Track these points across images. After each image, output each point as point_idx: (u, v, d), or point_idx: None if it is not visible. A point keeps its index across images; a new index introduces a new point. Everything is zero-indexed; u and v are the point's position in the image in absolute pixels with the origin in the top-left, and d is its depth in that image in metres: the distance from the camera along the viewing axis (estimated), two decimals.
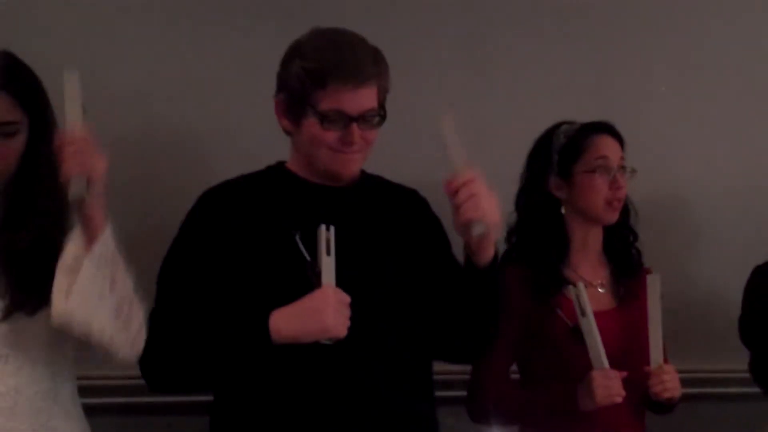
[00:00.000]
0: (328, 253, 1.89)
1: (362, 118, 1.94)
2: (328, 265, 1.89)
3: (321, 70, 1.91)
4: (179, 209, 2.01)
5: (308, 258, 1.91)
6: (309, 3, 2.45)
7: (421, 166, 2.18)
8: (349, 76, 1.91)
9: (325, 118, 1.92)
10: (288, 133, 2.02)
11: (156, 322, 1.93)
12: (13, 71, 1.88)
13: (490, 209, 1.88)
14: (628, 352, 2.21)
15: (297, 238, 1.92)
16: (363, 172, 2.06)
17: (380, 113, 1.97)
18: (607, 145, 2.28)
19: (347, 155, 1.95)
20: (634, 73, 2.69)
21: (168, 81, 2.38)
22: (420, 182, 2.12)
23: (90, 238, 1.79)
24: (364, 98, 1.93)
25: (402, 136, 2.22)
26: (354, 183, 2.03)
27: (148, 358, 1.92)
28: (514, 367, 2.30)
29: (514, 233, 2.32)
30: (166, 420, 2.31)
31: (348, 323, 1.87)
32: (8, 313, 1.85)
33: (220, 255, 1.93)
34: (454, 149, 1.89)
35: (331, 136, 1.93)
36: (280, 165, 2.06)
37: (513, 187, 2.33)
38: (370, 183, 2.07)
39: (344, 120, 1.92)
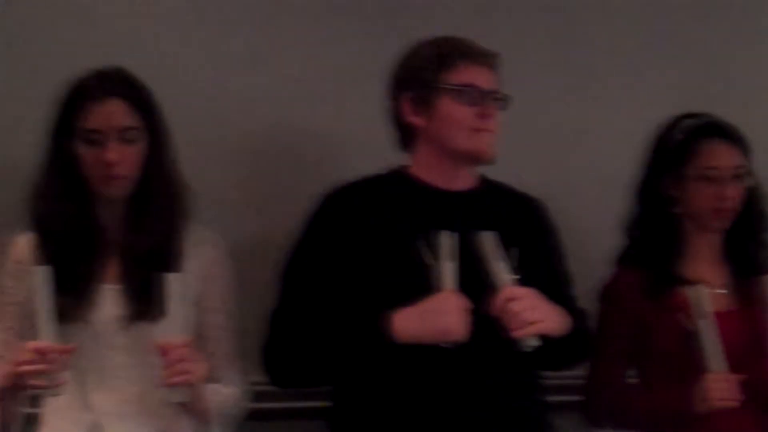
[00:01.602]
0: (450, 259, 1.90)
1: (492, 96, 1.98)
2: (449, 271, 1.89)
3: (450, 51, 1.99)
4: (294, 211, 2.04)
5: (430, 263, 1.91)
6: (412, 5, 2.45)
7: (519, 167, 2.18)
8: (476, 55, 1.99)
9: (460, 93, 1.96)
10: (410, 133, 2.03)
11: (279, 319, 1.98)
12: (127, 82, 1.95)
13: (540, 319, 1.89)
14: (748, 356, 2.15)
15: (419, 243, 1.94)
16: (484, 178, 2.08)
17: (504, 97, 2.01)
18: (718, 154, 2.19)
19: (485, 133, 1.97)
20: (744, 67, 2.64)
21: (280, 83, 2.41)
22: (516, 183, 2.13)
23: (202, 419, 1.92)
24: (489, 77, 1.99)
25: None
26: (475, 188, 2.05)
27: (271, 354, 1.98)
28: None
29: (633, 228, 2.28)
30: (287, 425, 2.33)
31: (467, 327, 1.87)
32: (130, 321, 1.90)
33: (343, 254, 1.96)
34: (496, 265, 1.92)
35: (468, 111, 1.96)
36: (403, 169, 2.07)
37: (612, 188, 2.30)
38: (491, 189, 2.08)
39: (478, 94, 1.96)
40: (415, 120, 2.01)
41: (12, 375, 1.81)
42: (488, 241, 1.93)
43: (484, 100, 1.97)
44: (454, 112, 1.97)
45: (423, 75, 1.99)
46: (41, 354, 1.77)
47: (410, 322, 1.88)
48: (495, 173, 2.09)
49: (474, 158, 2.00)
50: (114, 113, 1.90)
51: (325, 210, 2.02)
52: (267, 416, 2.20)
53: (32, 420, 1.93)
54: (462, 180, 2.04)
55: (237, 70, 2.39)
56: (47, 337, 1.79)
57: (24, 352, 1.80)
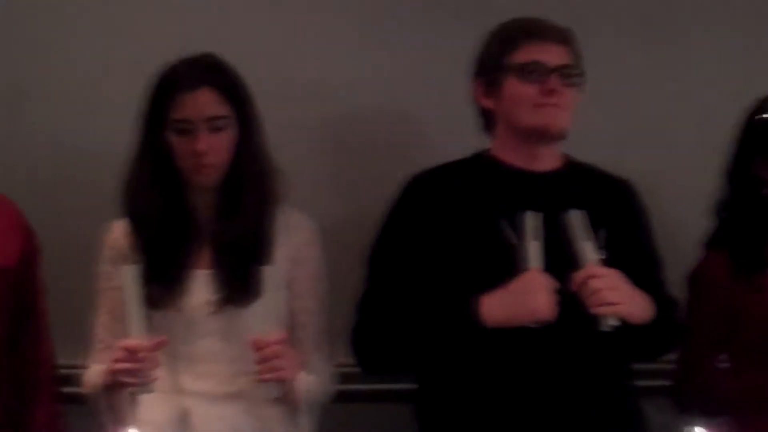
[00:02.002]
0: (535, 239, 1.89)
1: (559, 71, 1.97)
2: (535, 251, 1.89)
3: (514, 32, 2.00)
4: (381, 196, 2.06)
5: (515, 243, 1.91)
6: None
7: (607, 151, 2.17)
8: (541, 32, 1.99)
9: (523, 71, 1.97)
10: (488, 116, 2.05)
11: (366, 304, 2.00)
12: (217, 69, 1.96)
13: (619, 301, 1.86)
14: None
15: (503, 224, 1.94)
16: (570, 159, 2.08)
17: (577, 71, 2.00)
18: None
19: (550, 108, 1.97)
20: None
21: (367, 69, 2.43)
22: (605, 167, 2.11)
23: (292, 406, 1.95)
24: (557, 53, 1.99)
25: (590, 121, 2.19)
26: (559, 169, 2.05)
27: (359, 339, 1.99)
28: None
29: (722, 210, 2.24)
30: (374, 407, 2.35)
31: (555, 307, 1.86)
32: (221, 306, 1.93)
33: (428, 238, 1.97)
34: (583, 245, 1.90)
35: (531, 89, 1.97)
36: (485, 152, 2.08)
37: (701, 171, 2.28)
38: (576, 170, 2.08)
39: (542, 70, 1.96)
40: (487, 103, 2.04)
41: (108, 372, 1.87)
42: (575, 220, 1.92)
43: (550, 76, 1.96)
44: (518, 90, 1.98)
45: (491, 58, 2.02)
46: (131, 353, 1.82)
47: (497, 305, 1.88)
48: (582, 155, 2.08)
49: (541, 134, 1.99)
50: (204, 103, 1.92)
51: (409, 195, 2.04)
52: (354, 398, 2.21)
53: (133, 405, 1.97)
54: (545, 161, 2.04)
55: (324, 57, 2.41)
56: (137, 335, 1.83)
57: (116, 351, 1.85)
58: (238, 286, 1.92)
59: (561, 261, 1.89)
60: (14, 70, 2.35)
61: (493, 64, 2.01)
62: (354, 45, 2.42)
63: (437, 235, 1.97)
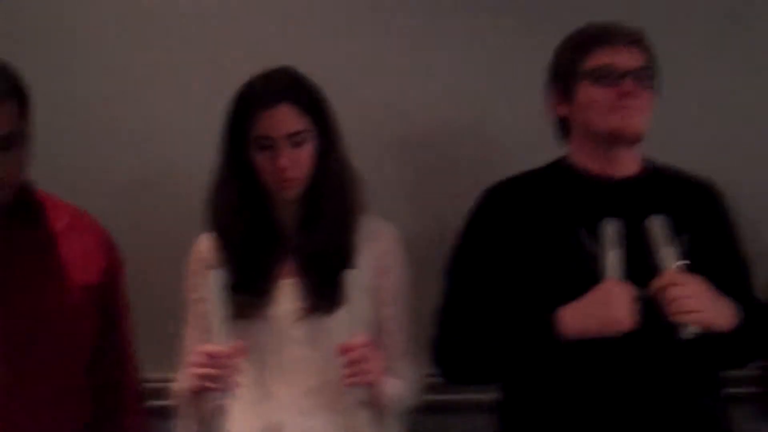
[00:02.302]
0: (614, 247, 1.88)
1: (633, 74, 1.96)
2: (613, 259, 1.88)
3: (586, 37, 2.00)
4: (458, 208, 2.06)
5: (594, 252, 1.90)
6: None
7: (689, 152, 2.15)
8: (613, 36, 1.98)
9: (596, 76, 1.96)
10: (562, 122, 2.05)
11: (446, 316, 2.00)
12: (295, 83, 1.99)
13: (700, 308, 1.83)
14: None
15: (581, 233, 1.93)
16: (650, 163, 2.05)
17: (651, 73, 1.99)
18: None
19: (625, 111, 1.95)
20: None
21: (441, 77, 2.44)
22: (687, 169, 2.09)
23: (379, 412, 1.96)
24: (629, 55, 1.97)
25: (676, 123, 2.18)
26: (639, 174, 2.02)
27: (439, 350, 2.00)
28: None
29: None
30: (457, 418, 2.35)
31: (635, 316, 1.84)
32: (306, 314, 1.96)
33: (506, 250, 1.97)
34: (664, 251, 1.88)
35: (605, 93, 1.95)
36: (561, 160, 2.07)
37: None
38: (657, 174, 2.05)
39: (615, 74, 1.95)
40: (562, 110, 2.03)
41: (191, 378, 1.90)
42: (657, 226, 1.90)
43: (623, 79, 1.95)
44: (592, 95, 1.97)
45: (563, 65, 2.01)
46: (212, 358, 1.85)
47: (576, 317, 1.86)
48: (663, 158, 2.06)
49: (616, 138, 1.97)
50: (283, 119, 1.94)
51: (486, 206, 2.04)
52: (438, 409, 2.22)
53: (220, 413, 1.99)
54: (624, 166, 2.01)
55: (400, 73, 2.42)
56: (220, 341, 1.86)
57: (197, 356, 1.88)
58: (323, 293, 1.95)
59: (642, 269, 1.87)
60: (99, 83, 2.40)
61: (566, 70, 2.00)
62: (428, 60, 2.43)
63: (515, 245, 1.97)
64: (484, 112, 2.43)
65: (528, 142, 2.29)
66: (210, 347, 1.86)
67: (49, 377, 1.87)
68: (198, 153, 2.07)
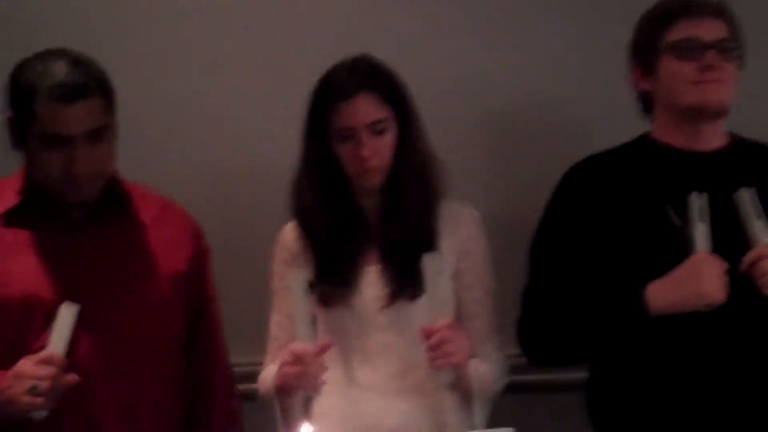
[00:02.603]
0: (702, 220, 1.86)
1: (716, 46, 1.93)
2: (701, 233, 1.86)
3: (667, 10, 1.98)
4: (539, 188, 2.06)
5: (681, 226, 1.88)
6: None
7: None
8: (693, 8, 1.96)
9: (678, 49, 1.94)
10: (646, 97, 2.03)
11: (531, 296, 2.00)
12: (373, 72, 2.00)
13: None
14: None
15: (668, 207, 1.91)
16: (736, 137, 2.03)
17: (735, 44, 1.96)
18: None
19: (708, 84, 1.93)
20: None
21: (524, 59, 2.44)
22: None
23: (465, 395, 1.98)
24: (712, 27, 1.95)
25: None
26: (725, 148, 2.00)
27: (526, 332, 1.99)
28: None
29: None
30: (544, 398, 2.34)
31: (726, 290, 1.82)
32: (391, 300, 1.97)
33: (591, 227, 1.96)
34: (754, 224, 1.85)
35: (688, 66, 1.94)
36: (645, 135, 2.06)
37: None
38: (744, 148, 2.02)
39: (698, 47, 1.93)
40: (645, 85, 2.02)
41: (278, 376, 1.93)
42: (746, 199, 1.87)
43: (706, 51, 1.92)
44: (674, 69, 1.95)
45: (645, 39, 1.99)
46: (298, 358, 1.87)
47: (666, 292, 1.85)
48: (749, 132, 2.04)
49: (700, 111, 1.95)
50: (363, 109, 1.96)
51: (570, 183, 2.04)
52: (523, 389, 2.21)
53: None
54: (709, 140, 1.99)
55: (475, 52, 2.42)
56: (304, 340, 1.88)
57: (284, 356, 1.91)
58: (406, 280, 1.96)
59: (731, 243, 1.85)
60: (186, 78, 2.43)
61: (648, 45, 1.98)
62: (506, 37, 2.43)
63: (600, 222, 1.95)
64: (565, 91, 2.42)
65: (613, 117, 2.26)
66: (296, 347, 1.88)
67: (142, 365, 1.91)
68: (283, 143, 2.08)
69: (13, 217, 1.90)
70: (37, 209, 1.90)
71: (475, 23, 2.43)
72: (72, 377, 1.79)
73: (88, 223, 1.91)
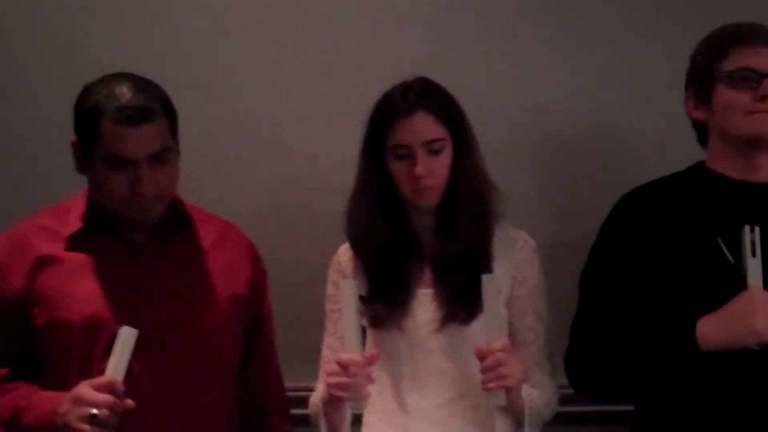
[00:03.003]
0: (754, 255, 1.84)
1: None
2: (754, 268, 1.84)
3: (722, 38, 1.97)
4: (595, 214, 2.05)
5: (732, 261, 1.87)
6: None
7: None
8: (751, 37, 1.94)
9: (734, 79, 1.93)
10: (701, 126, 2.01)
11: (580, 327, 1.99)
12: (431, 92, 2.01)
13: None
14: None
15: (719, 240, 1.90)
16: None
17: None
18: None
19: (763, 114, 1.92)
20: None
21: (576, 84, 2.44)
22: None
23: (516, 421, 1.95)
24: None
25: None
26: None
27: (574, 362, 1.98)
28: None
29: None
30: (591, 430, 2.33)
31: None
32: (443, 324, 1.96)
33: (641, 258, 1.94)
34: None
35: (743, 96, 1.93)
36: (699, 165, 2.05)
37: None
38: None
39: (754, 76, 1.92)
40: (699, 114, 2.00)
41: (326, 388, 1.92)
42: None
43: (762, 81, 1.91)
44: (728, 98, 1.93)
45: (700, 68, 1.99)
46: (344, 367, 1.86)
47: (716, 329, 1.83)
48: None
49: (755, 142, 1.93)
50: (420, 127, 1.97)
51: (622, 213, 2.02)
52: (569, 420, 2.18)
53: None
54: (763, 171, 1.97)
55: (533, 78, 2.43)
56: (352, 350, 1.88)
57: (330, 365, 1.91)
58: (460, 303, 1.96)
59: None
60: (241, 96, 2.45)
61: (703, 73, 1.98)
62: (561, 61, 2.43)
63: (652, 253, 1.94)
64: (622, 117, 2.41)
65: (668, 146, 2.27)
66: (343, 356, 1.88)
67: (199, 386, 1.92)
68: (339, 164, 2.10)
69: (76, 241, 1.92)
70: (100, 232, 1.93)
71: (529, 47, 2.43)
72: (129, 403, 1.79)
73: (150, 245, 1.94)
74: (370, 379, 1.89)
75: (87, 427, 1.76)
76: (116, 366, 1.80)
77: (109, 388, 1.77)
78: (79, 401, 1.77)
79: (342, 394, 1.88)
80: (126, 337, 1.81)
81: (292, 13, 2.46)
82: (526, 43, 2.44)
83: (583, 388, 2.01)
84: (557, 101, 2.42)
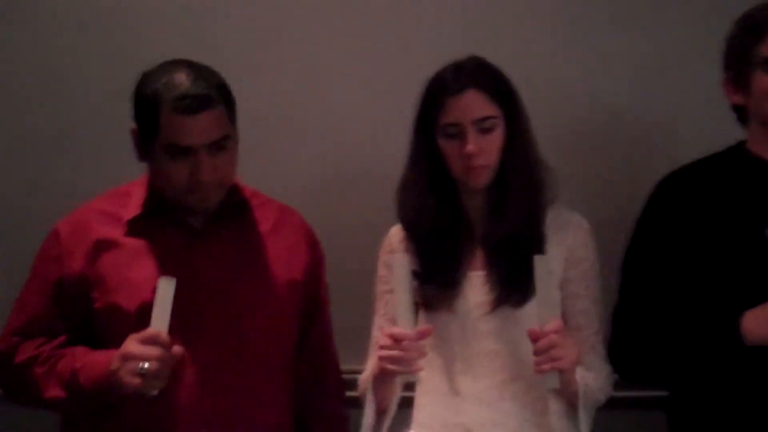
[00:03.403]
0: None
1: None
2: None
3: (758, 21, 1.92)
4: (634, 199, 2.05)
5: None
6: None
7: None
8: None
9: None
10: (741, 112, 1.99)
11: (623, 314, 1.98)
12: (482, 70, 1.99)
13: None
14: None
15: (766, 230, 1.88)
16: None
17: None
18: None
19: None
20: None
21: (621, 72, 2.44)
22: None
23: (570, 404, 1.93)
24: None
25: None
26: None
27: (617, 349, 1.98)
28: None
29: None
30: (629, 415, 2.32)
31: None
32: (496, 306, 1.95)
33: (685, 245, 1.93)
34: None
35: None
36: (740, 146, 2.01)
37: None
38: None
39: None
40: (736, 99, 1.97)
41: (377, 361, 1.91)
42: None
43: None
44: (765, 84, 1.90)
45: (736, 51, 1.95)
46: (396, 341, 1.85)
47: (761, 323, 1.82)
48: None
49: None
50: (471, 105, 1.94)
51: (661, 198, 2.01)
52: (608, 404, 2.11)
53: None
54: None
55: (576, 56, 2.43)
56: (404, 324, 1.87)
57: (382, 338, 1.89)
58: (513, 285, 1.94)
59: None
60: (296, 82, 2.46)
61: (740, 57, 1.94)
62: (617, 49, 2.43)
63: (694, 240, 1.92)
64: (672, 102, 2.40)
65: (707, 126, 2.26)
66: (395, 329, 1.87)
67: (253, 373, 1.93)
68: (393, 146, 2.09)
69: (135, 226, 1.94)
70: (158, 218, 1.94)
71: (582, 26, 2.42)
72: (177, 350, 1.81)
73: (207, 230, 1.95)
74: (421, 353, 1.88)
75: (138, 380, 1.78)
76: (159, 317, 1.81)
77: (154, 341, 1.79)
78: (128, 357, 1.80)
79: (393, 367, 1.87)
80: (165, 287, 1.81)
81: (351, 2, 2.47)
82: (579, 21, 2.42)
83: (626, 374, 2.02)
84: (611, 83, 2.42)
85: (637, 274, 1.99)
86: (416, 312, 1.95)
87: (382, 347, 1.89)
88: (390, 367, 1.88)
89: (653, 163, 2.27)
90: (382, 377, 1.93)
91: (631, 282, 2.00)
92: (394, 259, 1.94)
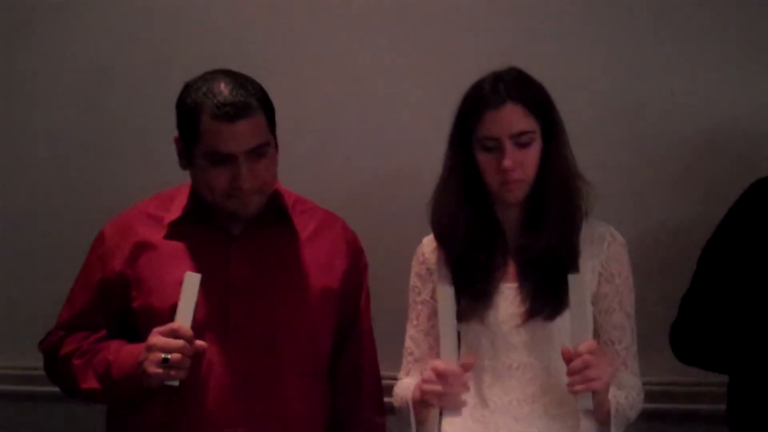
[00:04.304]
0: None
1: None
2: None
3: None
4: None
5: None
6: None
7: None
8: None
9: None
10: None
11: (692, 301, 2.02)
12: (521, 84, 1.98)
13: None
14: None
15: None
16: None
17: None
18: None
19: None
20: None
21: (685, 83, 2.42)
22: None
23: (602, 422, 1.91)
24: None
25: None
26: None
27: (680, 334, 2.03)
28: None
29: None
30: (676, 428, 2.33)
31: None
32: (527, 319, 1.94)
33: (762, 248, 1.94)
34: None
35: None
36: None
37: None
38: None
39: None
40: None
41: (418, 391, 1.92)
42: None
43: None
44: None
45: None
46: (441, 376, 1.86)
47: None
48: None
49: None
50: (509, 119, 1.93)
51: (751, 201, 2.02)
52: (654, 417, 2.18)
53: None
54: None
55: (626, 69, 2.42)
56: (447, 357, 1.87)
57: (426, 372, 1.89)
58: (545, 298, 1.93)
59: None
60: (334, 88, 2.49)
61: None
62: (660, 57, 2.41)
63: None
64: (719, 112, 2.38)
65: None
66: (439, 365, 1.87)
67: (283, 379, 1.96)
68: (428, 154, 2.10)
69: (175, 229, 1.99)
70: (198, 222, 1.98)
71: (628, 37, 2.41)
72: (200, 344, 1.87)
73: (244, 236, 1.98)
74: (465, 387, 1.88)
75: (160, 370, 1.85)
76: (183, 311, 1.87)
77: (176, 334, 1.85)
78: (151, 348, 1.86)
79: (437, 402, 1.89)
80: (191, 282, 1.87)
81: (386, 8, 2.47)
82: (623, 32, 2.41)
83: (685, 357, 2.06)
84: (653, 94, 2.40)
85: (714, 266, 2.03)
86: (459, 343, 1.95)
87: (425, 381, 1.89)
88: (434, 402, 1.89)
89: (691, 177, 2.28)
90: (423, 405, 1.94)
91: (707, 272, 2.03)
92: (439, 291, 1.93)
